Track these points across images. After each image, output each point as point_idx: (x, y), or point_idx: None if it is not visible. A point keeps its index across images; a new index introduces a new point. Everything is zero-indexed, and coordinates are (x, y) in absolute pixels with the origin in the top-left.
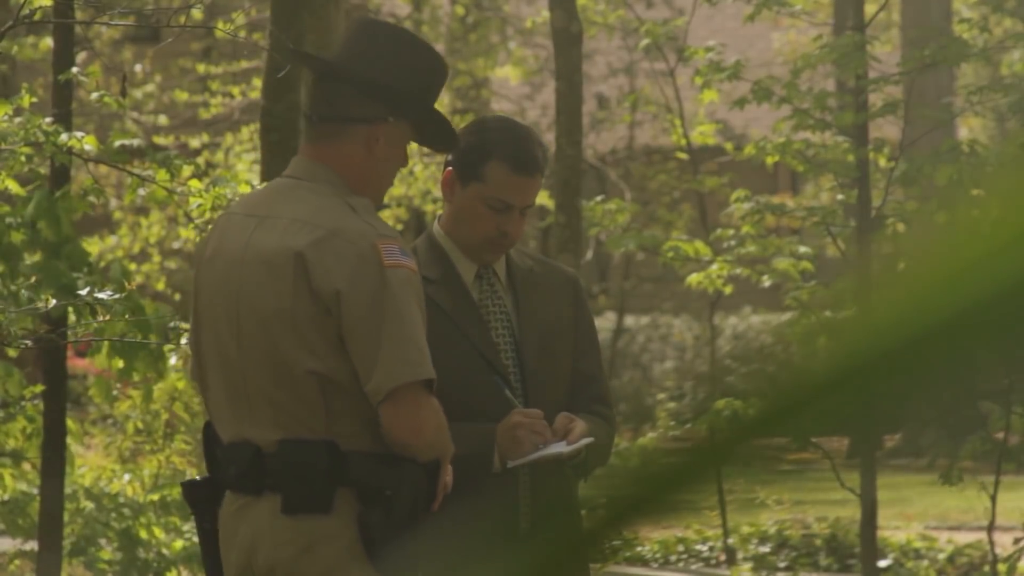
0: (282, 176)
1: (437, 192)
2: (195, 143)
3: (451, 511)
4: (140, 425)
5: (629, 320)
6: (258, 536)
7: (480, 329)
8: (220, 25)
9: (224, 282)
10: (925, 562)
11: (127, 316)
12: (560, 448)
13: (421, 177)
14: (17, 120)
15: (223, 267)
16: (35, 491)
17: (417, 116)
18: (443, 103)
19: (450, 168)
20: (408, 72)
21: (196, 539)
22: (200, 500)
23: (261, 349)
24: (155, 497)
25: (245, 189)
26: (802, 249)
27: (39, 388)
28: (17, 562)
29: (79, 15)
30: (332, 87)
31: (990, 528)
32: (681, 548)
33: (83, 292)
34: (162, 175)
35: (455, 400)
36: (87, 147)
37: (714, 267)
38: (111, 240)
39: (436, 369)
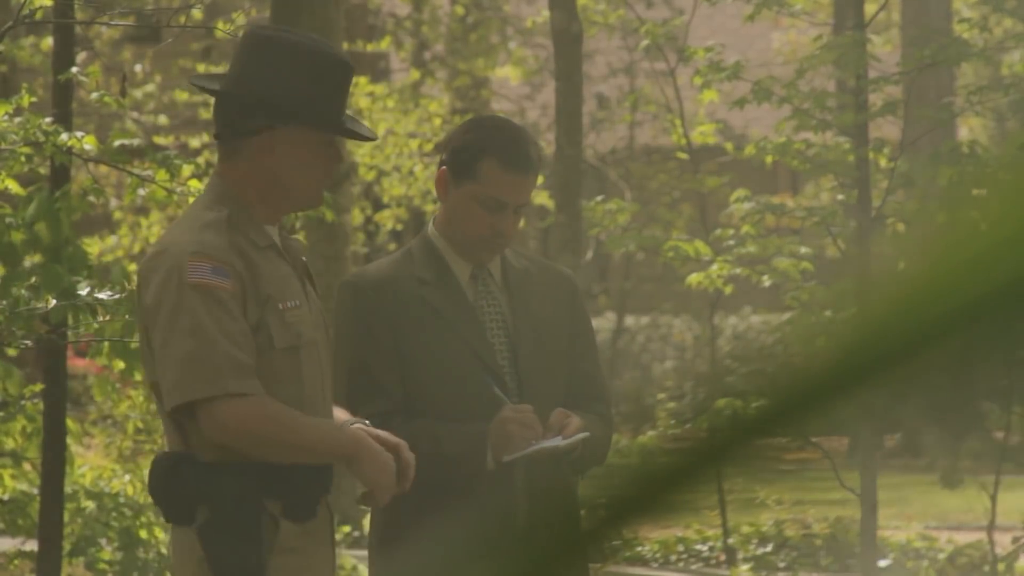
0: None
1: None
2: (195, 143)
3: (448, 510)
4: (140, 425)
5: (629, 320)
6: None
7: (475, 330)
8: (220, 25)
9: None
10: (925, 562)
11: (127, 316)
12: (556, 442)
13: (421, 177)
14: (17, 120)
15: None
16: (35, 491)
17: (313, 120)
18: (443, 103)
19: (444, 167)
20: (292, 80)
21: None
22: None
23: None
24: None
25: None
26: (802, 249)
27: (39, 387)
28: (17, 562)
29: (79, 15)
30: (221, 106)
31: (990, 528)
32: (681, 548)
33: (83, 292)
34: (162, 175)
35: (450, 401)
36: (87, 147)
37: (714, 267)
38: (111, 240)
39: (431, 370)
